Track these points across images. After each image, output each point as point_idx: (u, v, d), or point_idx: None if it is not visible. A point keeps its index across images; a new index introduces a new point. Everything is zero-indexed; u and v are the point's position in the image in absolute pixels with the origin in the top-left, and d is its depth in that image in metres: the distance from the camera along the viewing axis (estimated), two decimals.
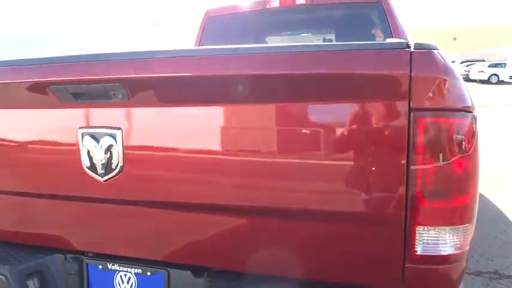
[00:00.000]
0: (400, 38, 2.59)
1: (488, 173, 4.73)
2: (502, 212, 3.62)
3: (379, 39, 2.79)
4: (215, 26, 3.16)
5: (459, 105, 0.90)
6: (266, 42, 3.25)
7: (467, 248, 0.97)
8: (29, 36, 27.66)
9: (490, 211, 3.62)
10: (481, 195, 4.05)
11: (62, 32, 28.76)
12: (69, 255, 1.27)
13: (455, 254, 0.94)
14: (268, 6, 2.98)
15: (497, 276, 2.49)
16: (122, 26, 30.15)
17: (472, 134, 0.92)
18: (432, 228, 0.91)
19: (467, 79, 27.41)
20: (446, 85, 0.88)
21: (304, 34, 3.21)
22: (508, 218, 3.39)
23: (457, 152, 0.90)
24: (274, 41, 3.37)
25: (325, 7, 2.91)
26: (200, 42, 3.16)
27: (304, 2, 2.89)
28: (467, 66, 29.30)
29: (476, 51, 39.38)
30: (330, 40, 3.07)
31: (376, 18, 2.76)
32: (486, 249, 2.82)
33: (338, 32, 3.02)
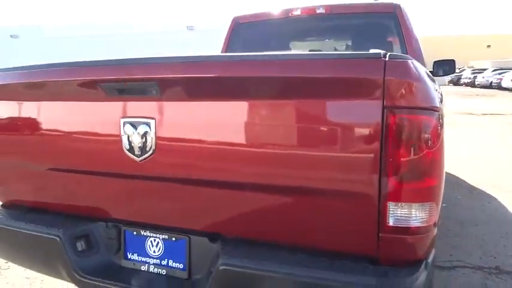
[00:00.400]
0: (412, 45, 2.77)
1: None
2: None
3: (395, 46, 2.97)
4: (242, 31, 3.41)
5: (425, 105, 1.10)
6: (290, 48, 3.47)
7: (433, 222, 1.16)
8: (89, 37, 29.98)
9: (500, 212, 3.71)
10: (493, 198, 4.13)
11: (114, 33, 30.62)
12: (109, 223, 1.54)
13: (422, 226, 1.14)
14: (291, 15, 3.21)
15: (497, 271, 2.61)
16: (160, 29, 31.14)
17: (436, 129, 1.12)
18: (402, 204, 1.12)
19: (499, 87, 26.49)
20: (415, 88, 1.09)
21: (324, 40, 3.41)
22: None
23: (422, 142, 1.10)
24: (297, 46, 3.59)
25: (343, 16, 3.11)
26: (228, 46, 3.41)
27: (323, 11, 3.11)
28: (499, 74, 28.37)
29: (510, 59, 38.14)
30: (348, 46, 3.26)
31: (391, 26, 2.93)
32: (491, 247, 2.93)
33: (355, 38, 3.21)
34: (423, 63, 2.83)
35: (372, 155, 1.10)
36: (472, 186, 4.57)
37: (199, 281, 1.36)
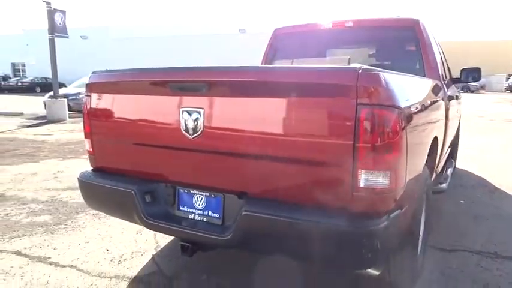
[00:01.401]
0: (428, 56, 3.17)
1: None
2: None
3: (413, 57, 3.37)
4: (281, 41, 3.95)
5: (387, 103, 1.58)
6: (325, 55, 3.95)
7: (393, 186, 1.62)
8: (151, 38, 33.53)
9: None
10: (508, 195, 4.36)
11: (174, 35, 33.43)
12: (168, 184, 2.14)
13: (384, 188, 1.61)
14: (323, 27, 3.71)
15: (494, 255, 2.93)
16: (214, 31, 32.81)
17: (396, 119, 1.59)
18: (369, 172, 1.60)
19: None
20: (379, 91, 1.57)
21: (352, 49, 3.86)
22: None
23: (384, 128, 1.57)
24: (331, 54, 4.06)
25: (368, 29, 3.56)
26: (268, 54, 3.96)
27: (351, 25, 3.57)
28: None
29: None
30: (373, 54, 3.69)
31: (410, 39, 3.34)
32: (494, 238, 3.24)
33: (379, 47, 3.64)
34: (436, 72, 3.22)
35: (348, 137, 1.59)
36: (495, 187, 4.79)
37: (229, 226, 1.91)
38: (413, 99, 1.93)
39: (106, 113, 2.29)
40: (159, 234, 3.30)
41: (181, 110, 1.93)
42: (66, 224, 3.58)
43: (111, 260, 2.88)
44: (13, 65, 47.24)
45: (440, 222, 3.64)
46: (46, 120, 12.52)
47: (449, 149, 4.65)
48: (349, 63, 3.58)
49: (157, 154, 2.14)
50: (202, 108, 1.89)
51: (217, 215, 1.99)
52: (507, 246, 3.09)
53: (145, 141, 2.15)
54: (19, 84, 34.07)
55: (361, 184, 1.61)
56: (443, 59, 4.01)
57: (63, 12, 12.10)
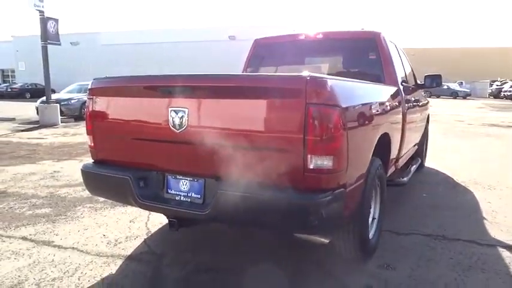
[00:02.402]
0: (387, 63, 3.64)
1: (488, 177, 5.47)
2: (487, 202, 4.44)
3: (374, 64, 3.85)
4: (260, 50, 4.40)
5: (329, 103, 2.03)
6: (303, 63, 4.41)
7: (336, 168, 2.06)
8: (141, 44, 34.19)
9: (468, 202, 4.44)
10: (470, 192, 4.86)
11: (164, 41, 34.19)
12: (158, 172, 2.56)
13: (329, 169, 2.05)
14: (297, 38, 4.18)
15: (442, 237, 3.39)
16: (204, 38, 33.47)
17: (338, 116, 2.04)
18: (317, 156, 2.04)
19: None
20: (323, 93, 2.02)
21: (322, 58, 4.34)
22: (486, 206, 4.19)
23: (328, 123, 2.02)
24: (310, 62, 4.52)
25: (335, 40, 4.04)
26: (249, 61, 4.41)
27: (322, 37, 4.05)
28: None
29: None
30: (341, 62, 4.17)
31: (371, 49, 3.81)
32: (446, 224, 3.70)
33: (345, 56, 4.12)
34: (394, 78, 3.70)
35: (300, 130, 2.03)
36: (457, 183, 5.29)
37: (208, 203, 2.33)
38: (356, 101, 2.38)
39: (105, 113, 2.71)
40: (150, 222, 3.72)
41: (170, 109, 2.36)
42: (66, 215, 3.97)
43: (108, 243, 3.28)
44: (2, 71, 47.19)
45: (402, 211, 4.11)
46: (39, 124, 12.82)
47: (416, 148, 5.14)
48: (320, 71, 4.07)
49: (149, 146, 2.56)
50: (187, 108, 2.32)
51: (198, 196, 2.41)
52: (453, 231, 3.55)
53: (139, 136, 2.57)
54: (9, 90, 34.09)
55: (311, 166, 2.05)
56: (405, 66, 4.49)
57: (56, 20, 12.45)
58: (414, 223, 3.75)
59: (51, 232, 3.52)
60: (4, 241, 3.32)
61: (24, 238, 3.38)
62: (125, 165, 2.67)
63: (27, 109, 18.03)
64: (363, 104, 2.49)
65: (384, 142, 3.08)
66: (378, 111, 2.77)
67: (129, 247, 3.20)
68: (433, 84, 5.06)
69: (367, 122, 2.51)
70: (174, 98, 2.37)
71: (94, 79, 2.78)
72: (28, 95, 32.44)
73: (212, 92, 2.28)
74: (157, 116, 2.45)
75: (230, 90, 2.23)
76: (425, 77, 5.03)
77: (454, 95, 35.91)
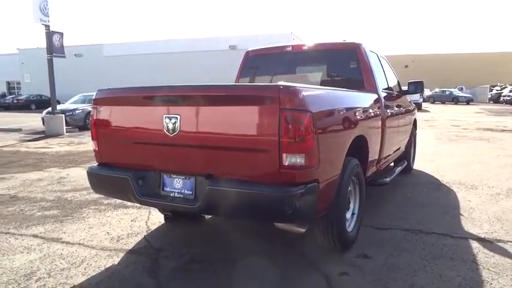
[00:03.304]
0: (367, 72, 3.97)
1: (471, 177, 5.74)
2: (466, 201, 4.73)
3: (355, 73, 4.17)
4: (252, 61, 4.74)
5: (300, 108, 2.34)
6: (293, 73, 4.74)
7: (308, 164, 2.37)
8: (144, 55, 34.85)
9: (449, 201, 4.71)
10: (453, 191, 5.14)
11: (167, 52, 34.93)
12: (155, 171, 2.88)
13: (302, 165, 2.35)
14: (285, 50, 4.52)
15: (418, 231, 3.68)
16: (206, 48, 34.14)
17: (308, 119, 2.35)
18: (291, 154, 2.35)
19: None
20: (294, 100, 2.33)
21: (308, 67, 4.67)
22: (465, 204, 4.47)
23: (299, 125, 2.33)
24: (300, 71, 4.85)
25: (320, 51, 4.38)
26: (241, 71, 4.75)
27: (307, 48, 4.39)
28: None
29: None
30: (326, 71, 4.50)
31: (352, 59, 4.14)
32: (424, 220, 3.99)
33: (329, 65, 4.45)
34: (373, 85, 4.02)
35: (275, 132, 2.35)
36: (442, 184, 5.58)
37: (199, 198, 2.65)
38: (326, 106, 2.69)
39: (108, 120, 3.04)
40: (150, 221, 4.03)
41: (164, 116, 2.69)
42: (72, 216, 4.29)
43: (111, 239, 3.59)
44: (8, 83, 47.94)
45: (385, 209, 4.40)
46: (45, 134, 13.21)
47: (401, 151, 5.44)
48: (306, 81, 4.40)
49: (147, 149, 2.88)
50: (179, 115, 2.64)
51: (190, 192, 2.73)
52: (430, 226, 3.83)
53: (137, 140, 2.90)
54: (15, 101, 34.70)
55: (285, 163, 2.36)
56: (387, 74, 4.81)
57: (61, 34, 12.91)
58: (395, 219, 4.04)
59: (59, 230, 3.84)
60: (17, 238, 3.64)
61: (35, 236, 3.70)
62: (126, 167, 2.99)
63: (32, 120, 18.49)
64: (333, 109, 2.80)
65: (361, 144, 3.39)
66: (350, 115, 3.08)
67: (131, 242, 3.51)
68: (417, 90, 5.39)
69: (338, 125, 2.82)
70: (167, 106, 2.70)
71: (98, 90, 3.12)
72: (33, 106, 33.02)
73: (200, 101, 2.61)
74: (154, 122, 2.77)
75: (216, 99, 2.56)
76: (409, 83, 5.36)
77: (455, 100, 36.28)
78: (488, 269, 2.92)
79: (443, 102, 36.00)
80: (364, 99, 3.62)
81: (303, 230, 2.69)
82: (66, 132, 13.64)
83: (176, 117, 2.64)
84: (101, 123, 3.09)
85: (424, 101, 34.61)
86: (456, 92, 38.20)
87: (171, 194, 2.80)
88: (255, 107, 2.42)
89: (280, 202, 2.34)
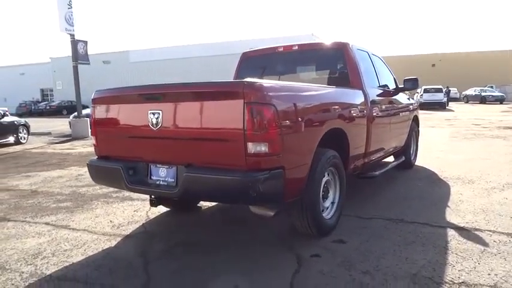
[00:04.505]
0: (353, 69, 4.18)
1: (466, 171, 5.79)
2: (458, 194, 4.82)
3: (343, 70, 4.38)
4: (248, 62, 5.03)
5: (262, 101, 2.60)
6: (284, 72, 4.98)
7: (271, 152, 2.62)
8: (164, 61, 35.88)
9: (441, 194, 4.82)
10: (447, 185, 5.23)
11: (183, 57, 35.76)
12: (143, 162, 3.20)
13: (265, 153, 2.60)
14: (277, 51, 4.78)
15: (400, 221, 3.83)
16: (215, 53, 35.07)
17: (270, 111, 2.61)
18: (254, 143, 2.61)
19: None
20: (258, 93, 2.60)
21: (300, 66, 4.90)
22: (456, 197, 4.57)
23: (261, 117, 2.59)
24: (299, 71, 5.08)
25: (309, 50, 4.61)
26: (238, 72, 5.04)
27: (297, 48, 4.63)
28: None
29: None
30: (315, 70, 4.73)
31: (339, 57, 4.36)
32: (409, 211, 4.13)
33: (318, 65, 4.68)
34: (359, 82, 4.22)
35: (241, 123, 2.61)
36: (439, 179, 5.66)
37: (179, 184, 2.95)
38: (291, 100, 2.92)
39: (104, 117, 3.40)
40: (151, 211, 4.37)
41: (149, 111, 3.01)
42: (82, 207, 4.70)
43: (113, 226, 3.95)
44: (42, 90, 50.28)
45: (374, 201, 4.57)
46: (71, 137, 13.97)
47: (397, 147, 5.57)
48: (298, 79, 4.64)
49: (136, 143, 3.21)
50: (161, 110, 2.95)
51: (173, 180, 3.03)
52: (413, 216, 3.98)
53: (128, 134, 3.24)
54: (47, 108, 36.44)
55: (251, 151, 2.63)
56: (378, 71, 4.98)
57: (85, 42, 13.63)
58: (381, 210, 4.21)
59: (68, 219, 4.24)
60: (31, 225, 4.06)
61: (47, 223, 4.11)
62: (119, 159, 3.33)
63: (62, 124, 19.45)
64: (300, 103, 3.02)
65: (338, 137, 3.60)
66: (320, 109, 3.29)
67: (129, 229, 3.85)
68: (413, 87, 5.52)
69: (305, 118, 3.03)
70: (151, 103, 3.02)
71: (96, 91, 3.49)
72: (65, 112, 34.54)
73: (177, 97, 2.91)
74: (141, 118, 3.09)
75: (190, 95, 2.86)
76: (404, 80, 5.50)
77: (483, 100, 35.05)
78: (456, 253, 3.06)
79: (482, 102, 34.62)
80: (342, 95, 3.83)
81: (272, 214, 2.94)
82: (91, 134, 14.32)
83: (159, 113, 2.96)
84: (98, 120, 3.45)
85: (451, 100, 33.83)
86: (486, 90, 36.95)
87: (157, 182, 3.11)
88: (224, 102, 2.70)
89: (245, 186, 2.60)
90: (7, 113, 17.77)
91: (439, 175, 5.88)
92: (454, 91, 38.82)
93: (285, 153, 2.75)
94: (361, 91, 4.19)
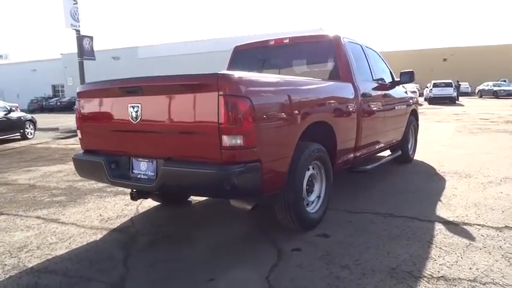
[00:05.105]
0: (342, 62, 4.12)
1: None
2: (453, 188, 4.76)
3: (333, 62, 4.33)
4: (240, 55, 5.00)
5: (237, 93, 2.58)
6: (275, 65, 4.93)
7: (246, 145, 2.60)
8: (172, 56, 35.95)
9: (436, 188, 4.74)
10: (444, 180, 5.15)
11: (190, 53, 35.85)
12: (125, 156, 3.21)
13: (240, 146, 2.58)
14: (268, 44, 4.74)
15: (389, 215, 3.77)
16: (218, 49, 35.26)
17: (245, 104, 2.58)
18: (229, 136, 2.59)
19: None
20: (231, 86, 2.57)
21: (291, 59, 4.85)
22: (450, 192, 4.50)
23: (236, 109, 2.57)
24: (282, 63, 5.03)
25: (300, 43, 4.56)
26: (230, 65, 5.01)
27: (288, 42, 4.59)
28: None
29: None
30: (306, 62, 4.68)
31: (330, 50, 4.30)
32: (400, 205, 4.08)
33: (308, 58, 4.63)
34: (349, 75, 4.16)
35: (215, 115, 2.59)
36: (436, 173, 5.58)
37: (157, 177, 2.95)
38: (269, 92, 2.89)
39: (87, 111, 3.42)
40: (141, 206, 4.39)
41: (129, 105, 3.01)
42: (75, 201, 4.74)
43: (101, 220, 3.98)
44: (53, 86, 50.90)
45: (366, 195, 4.52)
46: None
47: (392, 141, 5.49)
48: (291, 72, 4.60)
49: (118, 137, 3.22)
50: (140, 104, 2.95)
51: (153, 173, 3.03)
52: (404, 210, 3.92)
53: (111, 128, 3.24)
54: (58, 104, 36.92)
55: (226, 144, 2.61)
56: (372, 65, 4.90)
57: (91, 37, 13.72)
58: (372, 204, 4.16)
59: (60, 213, 4.28)
60: (22, 219, 4.11)
61: (38, 217, 4.16)
62: (103, 153, 3.34)
63: (70, 120, 19.66)
64: (277, 95, 2.97)
65: (324, 130, 3.56)
66: (302, 102, 3.24)
67: (117, 223, 3.87)
68: (410, 80, 5.44)
69: (284, 111, 2.98)
70: (131, 96, 3.02)
71: (80, 85, 3.50)
72: (75, 108, 34.88)
73: (155, 90, 2.90)
74: (122, 111, 3.09)
75: (166, 88, 2.85)
76: (401, 73, 5.42)
77: (496, 94, 34.39)
78: (440, 248, 3.02)
79: (495, 96, 33.94)
80: (328, 88, 3.78)
81: (249, 207, 2.92)
82: None
83: (138, 106, 2.96)
84: (83, 114, 3.46)
85: (462, 95, 33.29)
86: (503, 84, 36.12)
87: (138, 176, 3.12)
88: (199, 94, 2.69)
89: (219, 179, 2.58)
90: (17, 108, 18.06)
91: (437, 169, 5.79)
92: (465, 85, 38.21)
93: (262, 147, 2.73)
94: (350, 84, 4.14)
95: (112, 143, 3.30)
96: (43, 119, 22.60)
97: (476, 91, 37.79)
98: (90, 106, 3.41)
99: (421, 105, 26.14)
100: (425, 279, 2.54)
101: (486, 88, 35.81)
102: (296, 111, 3.12)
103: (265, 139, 2.75)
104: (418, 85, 36.53)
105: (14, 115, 12.77)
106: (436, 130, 11.28)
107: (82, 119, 3.48)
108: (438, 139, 9.23)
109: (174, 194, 4.10)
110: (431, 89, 27.44)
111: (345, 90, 4.02)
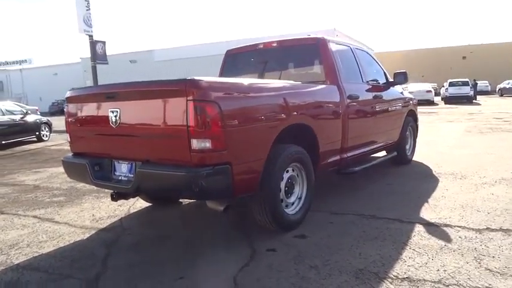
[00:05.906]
0: (327, 64, 4.17)
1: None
2: (444, 190, 4.74)
3: (318, 65, 4.38)
4: (231, 59, 5.10)
5: (204, 98, 2.67)
6: (264, 68, 5.01)
7: (215, 148, 2.68)
8: (185, 59, 36.48)
9: (427, 189, 4.72)
10: (438, 180, 5.12)
11: (203, 55, 36.33)
12: (108, 159, 3.34)
13: (209, 149, 2.67)
14: (257, 47, 4.82)
15: (371, 217, 3.78)
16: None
17: (213, 108, 2.67)
18: (198, 139, 2.68)
19: None
20: (200, 91, 2.67)
21: (279, 62, 4.90)
22: (440, 193, 4.48)
23: (204, 114, 2.66)
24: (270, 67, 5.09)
25: (287, 47, 4.63)
26: (223, 69, 5.11)
27: (276, 45, 4.66)
28: None
29: None
30: (292, 65, 4.74)
31: (315, 52, 4.35)
32: (385, 206, 4.09)
33: (295, 61, 4.69)
34: (334, 77, 4.20)
35: (184, 119, 2.69)
36: (432, 174, 5.54)
37: (134, 179, 3.07)
38: (238, 96, 2.97)
39: (75, 116, 3.57)
40: (133, 207, 4.53)
41: (109, 110, 3.14)
42: (73, 202, 4.93)
43: (93, 220, 4.13)
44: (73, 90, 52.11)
45: (354, 196, 4.55)
46: None
47: (385, 143, 5.48)
48: (278, 75, 4.68)
49: (102, 140, 3.36)
50: (119, 109, 3.08)
51: (132, 175, 3.15)
52: (387, 212, 3.92)
53: (95, 132, 3.39)
54: None
55: (195, 147, 2.70)
56: (362, 66, 4.92)
57: (104, 42, 14.07)
58: (356, 206, 4.17)
59: (56, 213, 4.46)
60: (20, 218, 4.31)
61: (34, 216, 4.35)
62: (88, 155, 3.49)
63: None
64: (248, 99, 3.05)
65: (305, 132, 3.62)
66: (277, 105, 3.29)
67: (107, 223, 4.02)
68: (403, 81, 5.44)
69: (255, 114, 3.05)
70: (111, 101, 3.15)
71: (69, 90, 3.66)
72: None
73: (131, 96, 3.03)
74: (104, 116, 3.22)
75: (140, 94, 2.97)
76: (395, 74, 5.42)
77: (504, 94, 33.46)
78: (414, 249, 3.03)
79: (501, 95, 33.31)
80: (308, 91, 3.83)
81: (221, 208, 3.01)
82: None
83: (117, 111, 3.08)
84: (71, 118, 3.62)
85: (481, 93, 32.56)
86: None
87: (119, 178, 3.25)
88: (170, 99, 2.79)
89: (188, 181, 2.68)
90: (37, 111, 18.66)
91: (434, 171, 5.75)
92: (484, 84, 37.33)
93: (232, 150, 2.81)
94: (335, 86, 4.17)
95: (96, 146, 3.45)
96: (61, 122, 23.26)
97: (497, 89, 36.88)
98: (77, 111, 3.57)
99: (436, 104, 25.94)
100: (389, 280, 2.58)
101: (507, 86, 34.88)
102: (270, 114, 3.19)
103: (235, 142, 2.83)
104: (435, 84, 35.91)
105: (30, 118, 13.21)
106: (445, 130, 11.12)
107: (70, 123, 3.64)
108: (444, 139, 9.11)
109: (162, 195, 4.22)
110: (447, 88, 26.93)
111: (328, 92, 4.07)
